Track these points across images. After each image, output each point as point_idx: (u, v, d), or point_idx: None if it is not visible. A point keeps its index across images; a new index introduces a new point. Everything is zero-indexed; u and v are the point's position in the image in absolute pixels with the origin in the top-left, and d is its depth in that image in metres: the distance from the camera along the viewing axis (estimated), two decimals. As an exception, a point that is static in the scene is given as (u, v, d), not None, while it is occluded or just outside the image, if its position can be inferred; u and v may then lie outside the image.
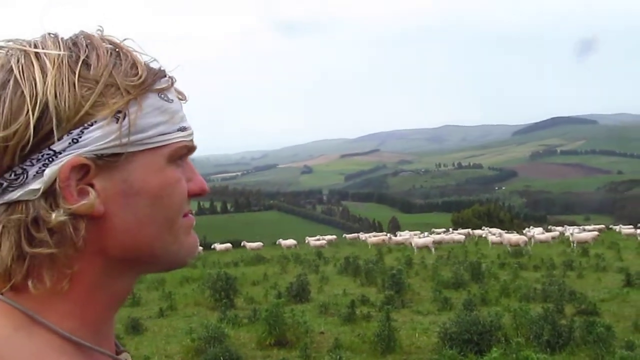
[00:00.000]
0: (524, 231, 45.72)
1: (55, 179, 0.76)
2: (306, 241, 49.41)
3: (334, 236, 55.28)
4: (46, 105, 0.74)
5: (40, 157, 0.75)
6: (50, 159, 0.76)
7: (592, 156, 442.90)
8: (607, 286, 17.00)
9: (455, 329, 9.84)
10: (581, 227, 46.45)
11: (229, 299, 15.28)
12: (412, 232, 50.81)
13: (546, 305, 11.20)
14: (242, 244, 49.01)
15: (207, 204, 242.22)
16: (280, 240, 50.55)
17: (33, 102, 0.74)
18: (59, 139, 0.75)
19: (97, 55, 0.80)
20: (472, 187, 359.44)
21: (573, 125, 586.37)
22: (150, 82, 0.83)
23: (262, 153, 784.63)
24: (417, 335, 11.47)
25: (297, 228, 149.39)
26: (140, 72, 0.82)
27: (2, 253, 0.76)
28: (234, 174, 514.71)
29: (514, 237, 34.14)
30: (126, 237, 0.81)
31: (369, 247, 41.06)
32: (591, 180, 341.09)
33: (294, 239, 50.94)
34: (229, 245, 49.13)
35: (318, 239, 49.68)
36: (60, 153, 0.76)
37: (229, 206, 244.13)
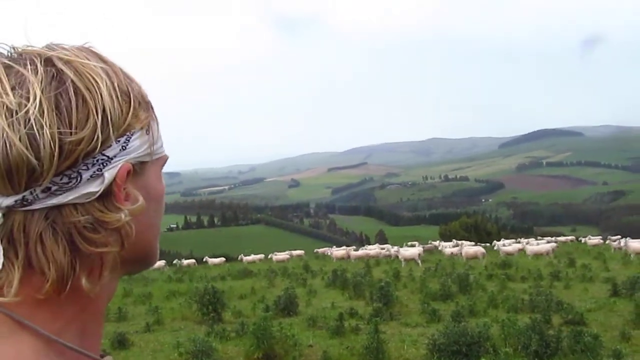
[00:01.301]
0: (493, 243, 46.19)
1: (111, 183, 0.82)
2: (269, 257, 49.72)
3: (302, 251, 55.11)
4: (104, 112, 0.80)
5: (95, 161, 0.80)
6: (105, 164, 0.81)
7: (578, 168, 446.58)
8: (593, 296, 17.07)
9: (443, 340, 9.83)
10: (539, 239, 47.44)
11: (216, 312, 15.19)
12: (379, 245, 51.97)
13: (534, 316, 11.23)
14: (204, 260, 48.86)
15: (194, 218, 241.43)
16: (242, 255, 50.57)
17: (95, 110, 0.79)
18: (110, 146, 0.81)
19: (114, 71, 0.86)
20: (459, 199, 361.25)
21: (558, 138, 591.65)
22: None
23: (250, 167, 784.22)
24: (405, 347, 11.44)
25: (284, 242, 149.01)
26: (144, 89, 0.91)
27: (57, 257, 0.78)
28: (221, 187, 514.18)
29: (471, 249, 34.52)
30: (138, 238, 0.87)
31: (334, 260, 42.03)
32: (577, 192, 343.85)
33: (277, 253, 51.05)
34: (192, 261, 48.61)
35: (288, 254, 50.45)
36: (112, 158, 0.82)
37: (216, 220, 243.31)
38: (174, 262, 48.64)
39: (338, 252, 45.08)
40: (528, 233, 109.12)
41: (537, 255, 33.00)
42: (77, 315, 0.85)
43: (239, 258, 50.13)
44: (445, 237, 68.25)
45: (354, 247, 57.55)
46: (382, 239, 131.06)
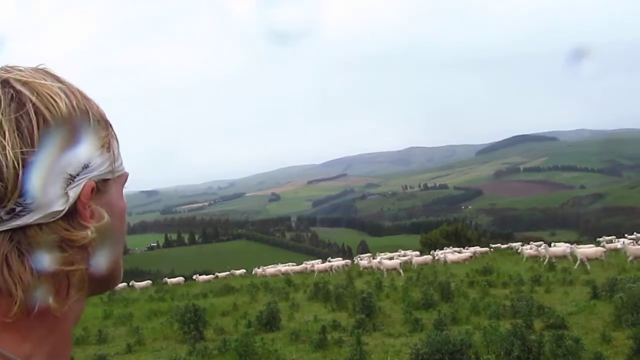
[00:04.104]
0: (435, 252, 47.00)
1: (75, 201, 0.83)
2: (194, 277, 50.06)
3: (244, 270, 55.09)
4: (65, 131, 0.82)
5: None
6: (68, 183, 0.82)
7: (555, 172, 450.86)
8: (574, 299, 17.17)
9: (426, 349, 9.81)
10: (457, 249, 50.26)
11: (198, 330, 15.03)
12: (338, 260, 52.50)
13: (515, 321, 11.25)
14: (130, 284, 48.08)
15: (174, 236, 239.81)
16: (166, 278, 50.15)
17: (56, 129, 0.81)
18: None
19: (71, 90, 0.88)
20: (439, 207, 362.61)
21: (534, 143, 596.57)
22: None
23: (229, 182, 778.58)
24: (389, 358, 11.40)
25: (266, 256, 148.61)
26: (102, 109, 0.92)
27: (25, 278, 0.78)
28: (201, 204, 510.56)
29: (390, 262, 35.43)
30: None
31: (268, 277, 42.96)
32: (555, 196, 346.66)
33: (264, 267, 50.74)
34: (149, 282, 47.28)
35: (229, 273, 51.66)
36: (75, 177, 0.83)
37: (196, 237, 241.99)
38: (130, 284, 46.51)
39: (271, 269, 47.43)
40: (508, 238, 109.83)
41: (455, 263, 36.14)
42: (46, 337, 0.84)
43: (163, 281, 49.24)
44: (427, 246, 68.47)
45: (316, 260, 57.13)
46: (364, 250, 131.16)
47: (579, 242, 45.38)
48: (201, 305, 17.46)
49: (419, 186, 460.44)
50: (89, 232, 0.83)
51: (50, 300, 0.81)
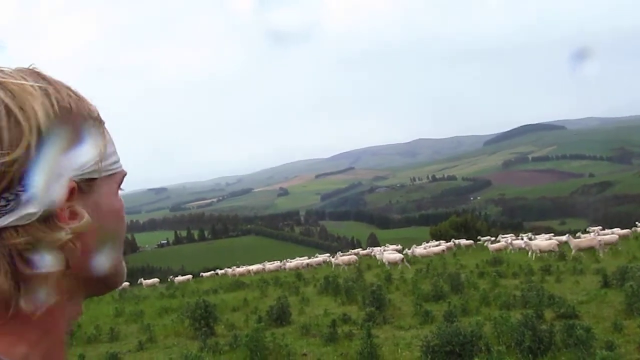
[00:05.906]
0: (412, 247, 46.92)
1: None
2: (170, 279, 50.04)
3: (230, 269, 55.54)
4: (39, 132, 0.78)
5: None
6: None
7: (563, 161, 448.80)
8: (585, 288, 17.10)
9: (437, 341, 9.80)
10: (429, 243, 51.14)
11: (208, 327, 15.08)
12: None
13: (526, 312, 11.22)
14: (138, 282, 48.33)
15: (184, 233, 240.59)
16: (142, 279, 49.92)
17: (29, 129, 0.78)
18: None
19: (56, 89, 0.85)
20: (447, 198, 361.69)
21: (542, 132, 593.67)
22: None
23: (237, 178, 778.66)
24: (399, 350, 11.39)
25: (276, 251, 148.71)
26: (93, 105, 0.90)
27: (0, 281, 0.76)
28: (210, 200, 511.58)
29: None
30: (94, 257, 0.86)
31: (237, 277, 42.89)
32: (564, 185, 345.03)
33: (275, 262, 50.66)
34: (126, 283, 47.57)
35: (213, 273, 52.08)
36: None
37: (206, 233, 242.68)
38: (138, 281, 47.06)
39: (238, 270, 46.89)
40: (518, 229, 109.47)
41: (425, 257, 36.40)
42: (41, 338, 0.83)
43: (138, 282, 49.10)
44: (436, 237, 68.30)
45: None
46: (373, 243, 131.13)
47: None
48: (212, 301, 17.49)
49: (427, 178, 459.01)
50: (63, 234, 0.79)
51: (22, 301, 0.78)
